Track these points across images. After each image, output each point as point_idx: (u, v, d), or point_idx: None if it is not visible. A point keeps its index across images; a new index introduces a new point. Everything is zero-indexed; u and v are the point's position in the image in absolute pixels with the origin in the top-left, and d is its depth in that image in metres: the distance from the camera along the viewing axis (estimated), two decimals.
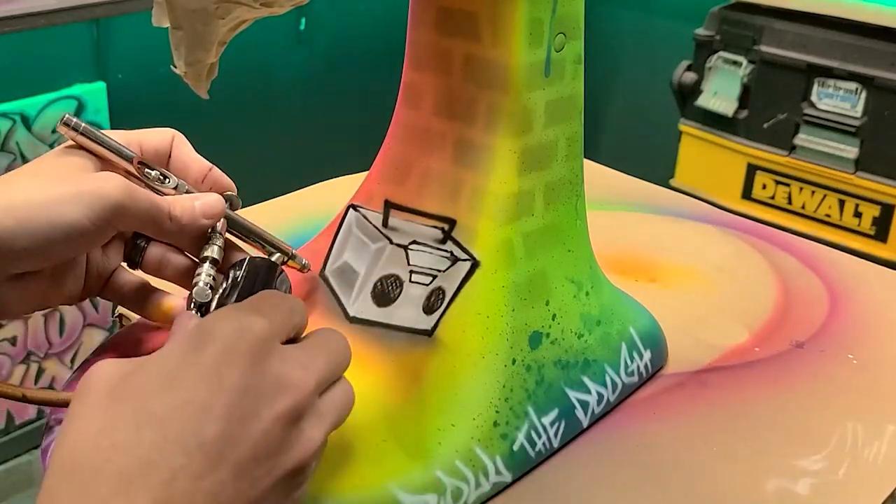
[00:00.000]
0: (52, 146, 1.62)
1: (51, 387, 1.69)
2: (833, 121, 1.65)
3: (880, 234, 1.66)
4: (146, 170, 0.50)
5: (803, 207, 1.74)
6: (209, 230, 0.50)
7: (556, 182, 0.55)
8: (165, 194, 0.50)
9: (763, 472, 0.55)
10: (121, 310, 0.48)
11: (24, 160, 1.60)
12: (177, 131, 0.53)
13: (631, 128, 2.41)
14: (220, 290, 0.46)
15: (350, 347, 0.44)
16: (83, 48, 1.66)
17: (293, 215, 0.82)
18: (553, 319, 0.54)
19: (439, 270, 0.53)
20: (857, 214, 1.68)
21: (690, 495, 0.53)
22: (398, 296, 0.54)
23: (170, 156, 0.52)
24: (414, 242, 0.54)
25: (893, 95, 1.59)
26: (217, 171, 0.53)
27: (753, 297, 0.74)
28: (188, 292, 0.48)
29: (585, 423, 0.56)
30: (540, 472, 0.53)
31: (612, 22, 2.32)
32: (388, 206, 0.55)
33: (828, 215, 1.71)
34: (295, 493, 0.39)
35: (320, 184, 0.90)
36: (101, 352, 0.54)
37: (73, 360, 1.71)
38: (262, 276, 0.47)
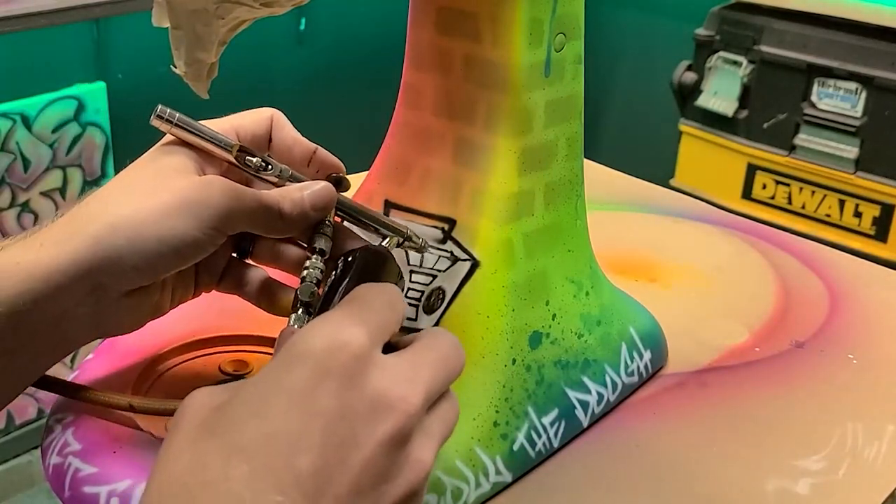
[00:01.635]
0: (51, 146, 1.62)
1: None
2: (833, 121, 1.65)
3: (880, 234, 1.66)
4: (247, 158, 0.47)
5: (803, 207, 1.74)
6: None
7: (556, 182, 0.55)
8: (269, 182, 0.47)
9: (763, 472, 0.55)
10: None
11: (24, 160, 1.60)
12: (276, 111, 0.51)
13: (631, 128, 2.41)
14: (327, 287, 0.42)
15: (463, 350, 0.39)
16: (83, 48, 1.66)
17: None
18: (553, 319, 0.54)
19: (439, 270, 0.53)
20: (857, 214, 1.68)
21: (690, 495, 0.53)
22: None
23: (270, 139, 0.50)
24: None
25: (893, 95, 1.59)
26: (322, 152, 0.50)
27: (753, 297, 0.74)
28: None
29: (585, 423, 0.56)
30: (540, 472, 0.53)
31: (612, 22, 2.32)
32: (388, 205, 0.55)
33: (828, 215, 1.71)
34: None
35: None
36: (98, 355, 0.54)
37: (72, 361, 1.70)
38: (370, 269, 0.43)
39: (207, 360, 0.56)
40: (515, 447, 0.51)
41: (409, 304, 0.53)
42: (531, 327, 0.53)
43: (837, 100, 1.65)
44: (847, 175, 1.66)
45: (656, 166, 1.73)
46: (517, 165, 0.52)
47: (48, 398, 1.70)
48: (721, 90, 1.78)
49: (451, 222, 0.53)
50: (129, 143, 1.71)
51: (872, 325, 0.71)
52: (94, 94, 1.66)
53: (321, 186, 0.48)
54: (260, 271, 0.51)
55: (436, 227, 0.54)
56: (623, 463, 0.55)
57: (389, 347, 0.37)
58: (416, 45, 0.54)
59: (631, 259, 0.78)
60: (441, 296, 0.53)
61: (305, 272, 0.46)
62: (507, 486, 0.51)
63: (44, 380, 0.47)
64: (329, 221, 0.48)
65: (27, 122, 1.59)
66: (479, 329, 0.51)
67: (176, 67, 0.46)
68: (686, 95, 1.83)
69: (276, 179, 0.48)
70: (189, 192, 0.44)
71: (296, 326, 0.42)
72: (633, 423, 0.58)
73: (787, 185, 1.74)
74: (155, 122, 0.46)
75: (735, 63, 1.75)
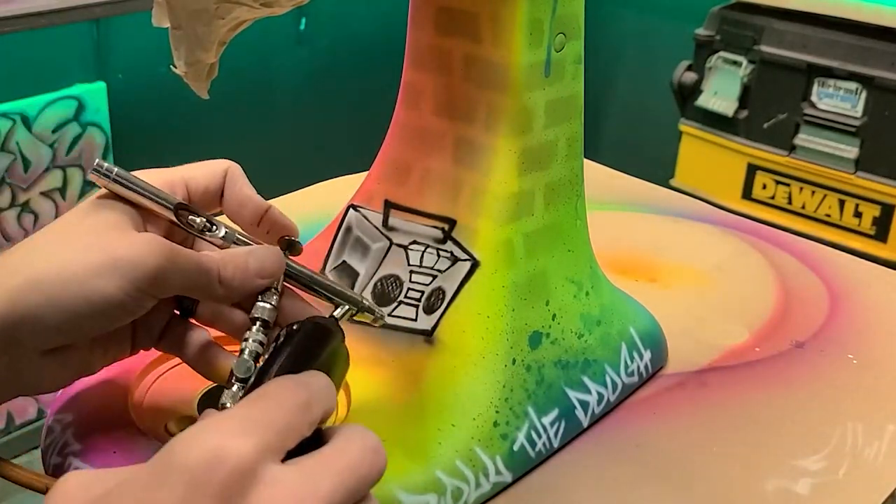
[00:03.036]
0: (51, 146, 1.62)
1: None
2: (833, 121, 1.66)
3: (880, 234, 1.66)
4: (189, 217, 0.44)
5: (803, 207, 1.74)
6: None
7: (556, 182, 0.55)
8: (214, 244, 0.45)
9: (763, 472, 0.55)
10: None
11: (24, 160, 1.60)
12: (232, 163, 0.47)
13: (631, 128, 2.41)
14: (263, 363, 0.38)
15: (384, 453, 0.35)
16: (83, 48, 1.66)
17: (293, 215, 0.82)
18: (553, 319, 0.54)
19: (439, 270, 0.53)
20: (857, 214, 1.68)
21: (690, 495, 0.53)
22: (398, 296, 0.54)
23: (222, 194, 0.47)
24: (414, 242, 0.54)
25: (893, 95, 1.59)
26: (275, 212, 0.47)
27: (753, 297, 0.74)
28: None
29: (585, 423, 0.56)
30: (540, 472, 0.53)
31: (612, 22, 2.32)
32: (388, 206, 0.55)
33: (828, 215, 1.71)
34: None
35: (320, 184, 0.90)
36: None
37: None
38: (311, 345, 0.39)
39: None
40: (515, 447, 0.51)
41: (410, 304, 0.53)
42: (531, 327, 0.53)
43: (837, 100, 1.65)
44: (847, 175, 1.66)
45: (656, 166, 1.73)
46: (517, 165, 0.52)
47: (48, 398, 1.70)
48: (721, 90, 1.78)
49: (451, 222, 0.53)
50: (129, 143, 1.71)
51: (872, 325, 0.71)
52: (94, 94, 1.66)
53: (269, 252, 0.45)
54: (202, 333, 0.47)
55: (436, 227, 0.54)
56: (623, 463, 0.55)
57: (310, 441, 0.34)
58: (416, 45, 0.54)
59: (631, 259, 0.78)
60: (441, 296, 0.53)
61: (244, 344, 0.43)
62: (507, 486, 0.51)
63: None
64: (276, 288, 0.45)
65: (27, 122, 1.59)
66: (479, 329, 0.51)
67: (176, 67, 0.46)
68: (686, 95, 1.83)
69: (220, 241, 0.45)
70: (121, 250, 0.41)
71: (228, 404, 0.39)
72: (633, 423, 0.58)
73: (787, 185, 1.74)
74: (92, 177, 0.43)
75: (735, 63, 1.75)
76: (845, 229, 1.69)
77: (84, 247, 0.41)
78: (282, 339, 0.39)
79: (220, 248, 0.45)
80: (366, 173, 0.58)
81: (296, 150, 1.99)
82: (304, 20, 1.95)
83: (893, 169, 1.62)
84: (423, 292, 0.53)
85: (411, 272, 0.54)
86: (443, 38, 0.52)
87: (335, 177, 0.89)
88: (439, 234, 0.53)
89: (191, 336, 0.47)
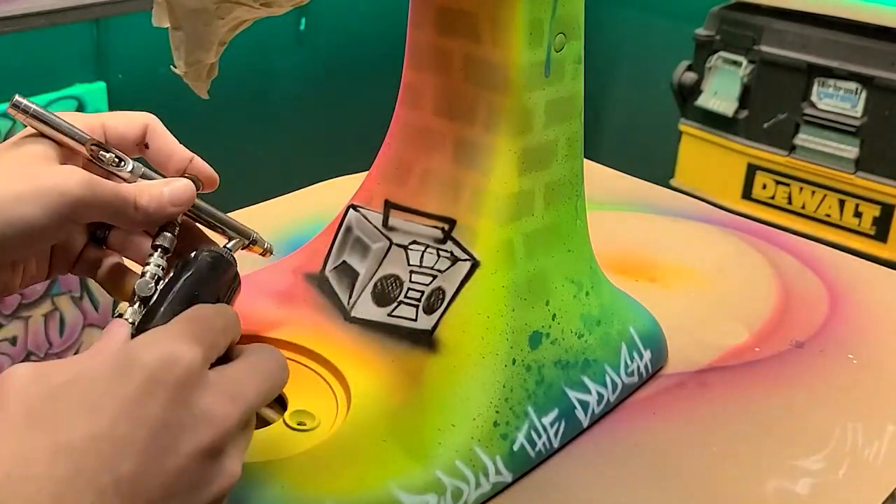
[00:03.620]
0: None
1: None
2: (833, 121, 1.65)
3: (880, 234, 1.66)
4: (101, 153, 0.47)
5: (803, 207, 1.74)
6: None
7: (556, 182, 0.55)
8: (122, 178, 0.48)
9: (763, 472, 0.55)
10: (120, 308, 0.46)
11: None
12: (153, 116, 0.50)
13: (631, 128, 2.41)
14: (163, 286, 0.44)
15: (288, 367, 0.42)
16: (83, 48, 1.66)
17: (293, 215, 0.82)
18: (553, 319, 0.54)
19: (439, 270, 0.53)
20: (857, 214, 1.68)
21: (690, 495, 0.53)
22: (398, 296, 0.54)
23: (146, 145, 0.50)
24: (414, 242, 0.54)
25: (893, 95, 1.59)
26: (199, 162, 0.50)
27: (753, 297, 0.74)
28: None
29: (585, 423, 0.56)
30: (540, 472, 0.53)
31: (612, 22, 2.32)
32: (388, 206, 0.55)
33: (828, 215, 1.71)
34: None
35: (320, 184, 0.90)
36: None
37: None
38: (207, 271, 0.44)
39: None
40: (515, 447, 0.51)
41: (410, 304, 0.53)
42: (531, 327, 0.53)
43: (837, 100, 1.65)
44: (847, 175, 1.66)
45: (656, 166, 1.73)
46: (517, 165, 0.52)
47: None
48: (721, 90, 1.77)
49: (451, 222, 0.53)
50: None
51: (872, 325, 0.71)
52: (94, 94, 1.66)
53: (182, 184, 0.48)
54: (115, 258, 0.51)
55: (436, 227, 0.54)
56: (623, 463, 0.55)
57: (220, 360, 0.40)
58: (416, 45, 0.54)
59: (631, 259, 0.78)
60: (441, 296, 0.53)
61: (146, 267, 0.46)
62: (507, 486, 0.51)
63: None
64: (177, 221, 0.48)
65: None
66: (479, 329, 0.51)
67: (176, 67, 0.46)
68: (686, 95, 1.83)
69: (128, 175, 0.48)
70: (45, 178, 0.43)
71: (130, 320, 0.42)
72: (633, 423, 0.58)
73: (787, 185, 1.74)
74: (10, 111, 0.46)
75: (735, 63, 1.75)
76: (845, 229, 1.69)
77: (9, 176, 0.44)
78: (181, 265, 0.44)
79: (128, 182, 0.48)
80: (366, 173, 0.58)
81: (296, 150, 1.98)
82: (303, 20, 1.95)
83: (893, 169, 1.62)
84: (423, 292, 0.53)
85: (411, 272, 0.54)
86: (443, 38, 0.52)
87: (335, 177, 0.89)
88: (439, 234, 0.53)
89: (103, 261, 0.50)
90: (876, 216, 1.66)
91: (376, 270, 0.55)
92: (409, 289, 0.54)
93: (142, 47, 1.67)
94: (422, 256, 0.54)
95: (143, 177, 0.48)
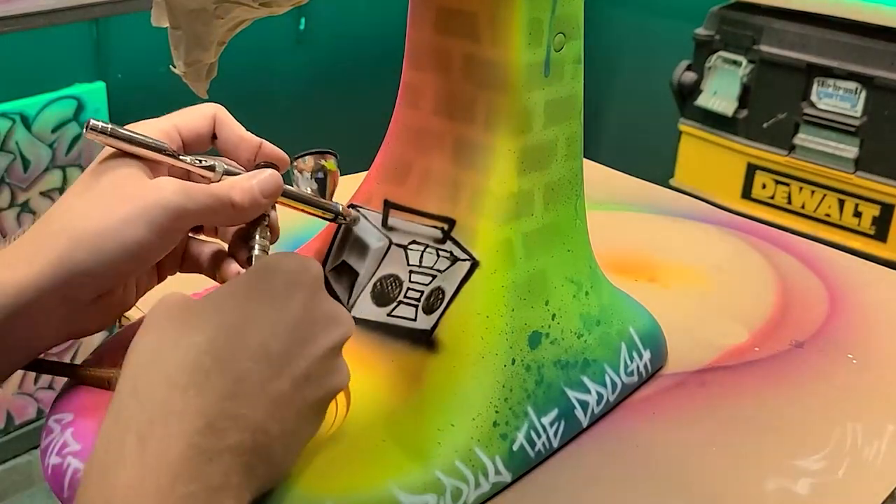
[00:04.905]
0: (51, 146, 1.62)
1: (50, 387, 1.69)
2: (833, 120, 1.65)
3: (880, 234, 1.66)
4: (180, 157, 0.49)
5: (803, 207, 1.74)
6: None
7: (555, 182, 0.55)
8: (208, 179, 0.49)
9: (763, 472, 0.55)
10: None
11: (24, 160, 1.60)
12: (219, 106, 0.52)
13: (631, 128, 2.41)
14: None
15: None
16: (83, 48, 1.66)
17: (293, 215, 0.82)
18: (553, 319, 0.54)
19: (439, 270, 0.53)
20: (857, 214, 1.68)
21: (690, 495, 0.53)
22: (397, 296, 0.54)
23: (215, 136, 0.51)
24: (413, 242, 0.54)
25: (893, 95, 1.59)
26: (268, 146, 0.52)
27: (753, 297, 0.74)
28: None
29: (585, 423, 0.56)
30: (540, 472, 0.53)
31: (612, 22, 2.32)
32: (388, 206, 0.55)
33: (828, 215, 1.71)
34: (321, 416, 0.44)
35: None
36: (100, 352, 0.54)
37: (72, 360, 1.70)
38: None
39: None
40: (515, 447, 0.51)
41: (409, 304, 0.53)
42: (531, 327, 0.53)
43: (837, 99, 1.65)
44: (847, 175, 1.66)
45: (656, 166, 1.73)
46: (517, 165, 0.52)
47: (48, 398, 1.70)
48: (721, 90, 1.77)
49: (451, 222, 0.53)
50: None
51: (872, 325, 0.71)
52: (94, 93, 1.66)
53: (268, 174, 0.50)
54: (212, 245, 0.53)
55: (435, 227, 0.54)
56: (623, 463, 0.55)
57: None
58: (416, 44, 0.54)
59: (631, 259, 0.78)
60: (440, 296, 0.53)
61: (254, 243, 0.49)
62: (507, 486, 0.51)
63: (36, 363, 0.49)
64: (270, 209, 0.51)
65: (27, 122, 1.58)
66: (479, 329, 0.51)
67: (175, 67, 0.46)
68: (686, 95, 1.83)
69: (213, 175, 0.49)
70: (143, 197, 0.45)
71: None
72: (633, 423, 0.58)
73: (787, 184, 1.74)
74: (89, 136, 0.47)
75: (735, 63, 1.75)
76: (845, 229, 1.69)
77: (109, 202, 0.45)
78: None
79: (213, 181, 0.50)
80: (365, 173, 0.58)
81: (296, 150, 1.98)
82: (303, 20, 1.95)
83: (893, 169, 1.62)
84: (422, 292, 0.53)
85: (411, 272, 0.54)
86: (442, 38, 0.52)
87: None
88: (439, 233, 0.53)
89: (204, 251, 0.53)
90: (875, 216, 1.66)
91: (375, 270, 0.55)
92: (408, 289, 0.54)
93: (141, 47, 1.67)
94: (421, 256, 0.54)
95: (227, 174, 0.50)
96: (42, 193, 1.64)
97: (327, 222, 0.56)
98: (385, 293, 0.54)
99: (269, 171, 0.50)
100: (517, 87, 0.51)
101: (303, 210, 0.53)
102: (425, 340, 0.52)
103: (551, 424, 0.53)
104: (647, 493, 0.53)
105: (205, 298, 0.41)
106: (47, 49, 1.61)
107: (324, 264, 0.57)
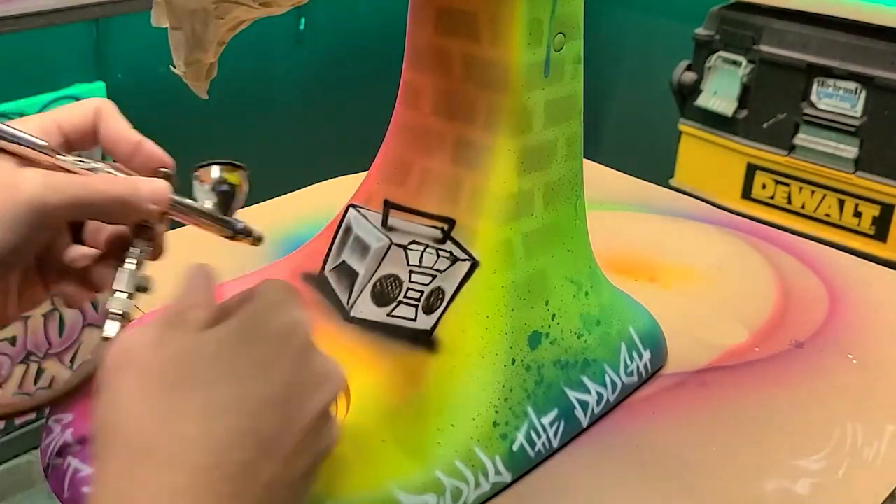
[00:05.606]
0: None
1: (50, 387, 1.69)
2: (833, 120, 1.65)
3: (880, 234, 1.66)
4: (57, 156, 0.45)
5: (803, 207, 1.73)
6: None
7: (555, 182, 0.55)
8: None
9: (763, 472, 0.55)
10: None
11: None
12: (104, 100, 0.48)
13: (631, 128, 2.41)
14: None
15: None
16: (83, 48, 1.66)
17: (293, 215, 0.82)
18: (553, 319, 0.54)
19: (439, 270, 0.53)
20: (857, 214, 1.67)
21: (690, 495, 0.53)
22: (398, 296, 0.54)
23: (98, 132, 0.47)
24: (413, 242, 0.54)
25: (893, 95, 1.59)
26: (149, 145, 0.47)
27: (753, 297, 0.74)
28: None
29: (585, 423, 0.56)
30: (540, 472, 0.53)
31: (612, 22, 2.32)
32: (388, 206, 0.55)
33: (827, 215, 1.71)
34: (314, 478, 0.41)
35: (320, 184, 0.90)
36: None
37: (72, 360, 1.70)
38: None
39: None
40: (515, 447, 0.51)
41: (409, 304, 0.53)
42: (531, 327, 0.53)
43: (837, 99, 1.65)
44: (847, 175, 1.66)
45: (656, 166, 1.73)
46: (517, 165, 0.52)
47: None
48: (721, 90, 1.77)
49: (451, 222, 0.53)
50: None
51: (872, 325, 0.71)
52: (94, 94, 1.65)
53: (153, 181, 0.46)
54: (91, 251, 0.48)
55: (435, 227, 0.54)
56: (623, 463, 0.55)
57: None
58: (416, 44, 0.54)
59: (631, 259, 0.78)
60: (440, 296, 0.53)
61: (127, 262, 0.45)
62: (507, 486, 0.51)
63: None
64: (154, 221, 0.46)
65: None
66: (479, 329, 0.51)
67: (175, 67, 0.46)
68: (686, 95, 1.83)
69: (91, 174, 0.45)
70: (17, 193, 0.42)
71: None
72: (633, 423, 0.58)
73: (787, 184, 1.74)
74: None
75: (735, 63, 1.75)
76: (845, 229, 1.69)
77: None
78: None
79: None
80: (366, 173, 0.58)
81: (296, 150, 1.98)
82: (303, 20, 1.95)
83: (893, 169, 1.62)
84: (422, 292, 0.53)
85: (411, 272, 0.54)
86: (442, 38, 0.52)
87: (335, 177, 0.89)
88: (439, 234, 0.53)
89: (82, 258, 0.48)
90: (875, 216, 1.66)
91: (376, 270, 0.55)
92: (408, 289, 0.54)
93: (141, 47, 1.67)
94: (421, 256, 0.54)
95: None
96: None
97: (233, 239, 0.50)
98: (385, 293, 0.54)
99: (158, 180, 0.46)
100: (517, 87, 0.51)
101: (196, 224, 0.48)
102: (425, 340, 0.52)
103: (551, 424, 0.53)
104: (647, 493, 0.53)
105: (188, 366, 0.38)
106: (47, 49, 1.61)
107: (324, 264, 0.57)
